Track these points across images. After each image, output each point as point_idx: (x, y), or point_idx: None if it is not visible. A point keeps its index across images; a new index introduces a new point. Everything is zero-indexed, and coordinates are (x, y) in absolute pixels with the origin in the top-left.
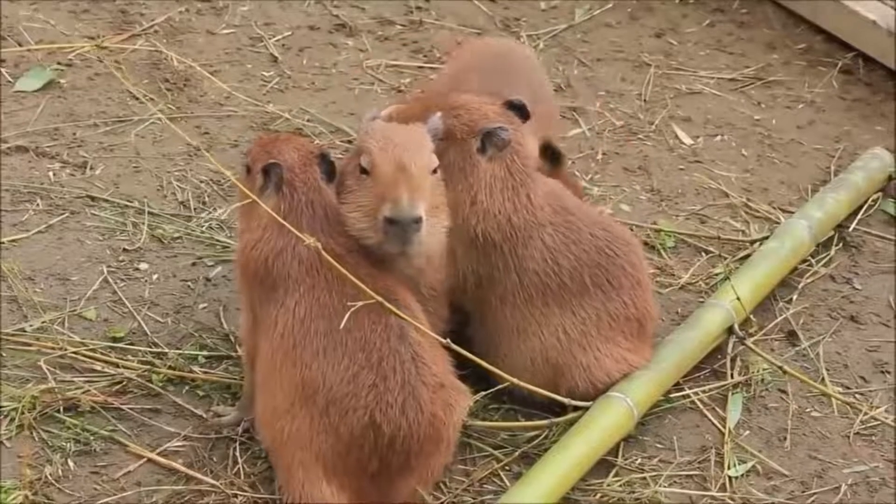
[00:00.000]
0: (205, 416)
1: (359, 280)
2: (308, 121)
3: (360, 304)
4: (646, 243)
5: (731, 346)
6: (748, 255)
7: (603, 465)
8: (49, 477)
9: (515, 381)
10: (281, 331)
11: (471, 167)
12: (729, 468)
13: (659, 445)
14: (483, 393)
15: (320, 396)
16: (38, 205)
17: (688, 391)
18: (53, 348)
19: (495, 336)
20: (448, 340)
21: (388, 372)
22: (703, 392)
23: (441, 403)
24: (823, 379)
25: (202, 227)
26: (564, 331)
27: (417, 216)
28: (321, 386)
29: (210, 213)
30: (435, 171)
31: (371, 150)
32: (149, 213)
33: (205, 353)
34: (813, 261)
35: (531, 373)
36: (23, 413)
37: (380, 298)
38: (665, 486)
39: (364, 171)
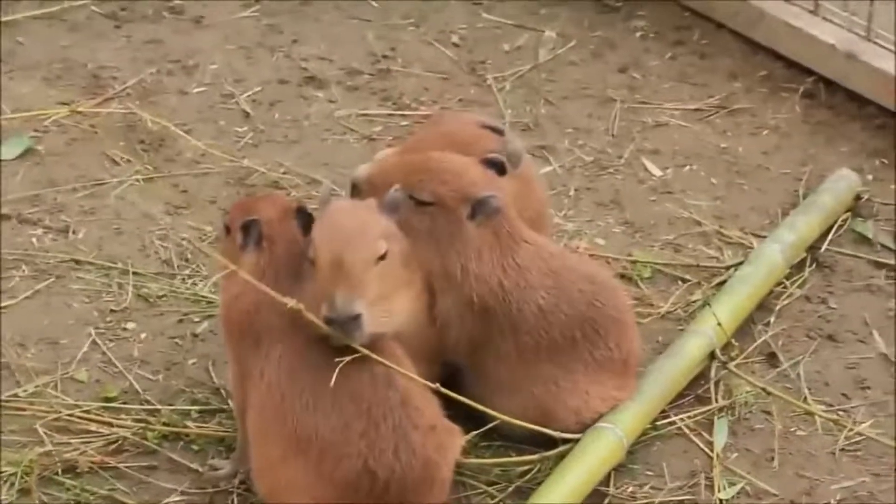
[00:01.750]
0: (201, 470)
1: None
2: (284, 173)
3: (347, 358)
4: (622, 275)
5: (713, 370)
6: (724, 281)
7: (595, 495)
8: None
9: (505, 417)
10: (268, 383)
11: (459, 234)
12: (719, 491)
13: (649, 472)
14: (475, 432)
15: (313, 447)
16: (23, 271)
17: (674, 417)
18: (48, 412)
19: (488, 391)
20: (437, 385)
21: (379, 419)
22: (689, 417)
23: (433, 445)
24: (806, 398)
25: (186, 284)
26: (556, 382)
27: (353, 314)
28: (313, 437)
29: (193, 269)
30: (383, 257)
31: (315, 241)
32: (133, 273)
33: (197, 407)
34: (788, 283)
35: (523, 419)
36: (22, 477)
37: (365, 350)
38: None
39: (312, 262)
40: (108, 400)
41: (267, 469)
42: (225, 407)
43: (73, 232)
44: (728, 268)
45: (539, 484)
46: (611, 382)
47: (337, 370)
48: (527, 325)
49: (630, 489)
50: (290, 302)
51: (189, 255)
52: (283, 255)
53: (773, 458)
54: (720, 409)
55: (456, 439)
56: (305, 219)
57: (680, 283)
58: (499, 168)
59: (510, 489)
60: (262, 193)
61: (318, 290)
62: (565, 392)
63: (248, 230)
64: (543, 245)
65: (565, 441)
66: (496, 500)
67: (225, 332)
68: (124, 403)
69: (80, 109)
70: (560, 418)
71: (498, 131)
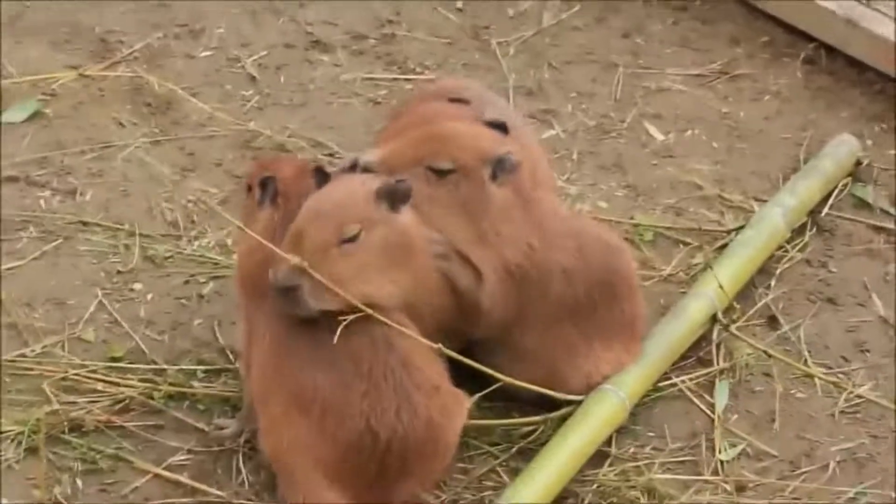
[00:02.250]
0: (206, 429)
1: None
2: (289, 136)
3: (350, 317)
4: (625, 238)
5: (715, 333)
6: (726, 245)
7: (598, 456)
8: (59, 497)
9: (510, 379)
10: (270, 341)
11: (485, 196)
12: (720, 452)
13: (651, 434)
14: (479, 394)
15: (315, 406)
16: (31, 232)
17: (675, 380)
18: (55, 371)
19: (507, 360)
20: (440, 346)
21: (379, 379)
22: (691, 380)
23: (437, 407)
24: (806, 360)
25: (192, 245)
26: (574, 346)
27: (289, 285)
28: (314, 397)
29: (199, 232)
30: (352, 240)
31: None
32: (140, 234)
33: (203, 367)
34: (788, 247)
35: (535, 383)
36: (29, 436)
37: (366, 308)
38: (659, 474)
39: None
40: (114, 360)
41: (270, 427)
42: (230, 367)
43: (81, 194)
44: (729, 231)
45: (542, 445)
46: (619, 346)
47: (339, 330)
48: (554, 288)
49: (632, 450)
50: (295, 259)
51: (195, 217)
52: (297, 213)
53: (773, 420)
54: (721, 372)
55: (462, 404)
56: (322, 178)
57: (682, 246)
58: (502, 129)
59: (513, 450)
60: (283, 155)
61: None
62: (581, 356)
63: (265, 187)
64: (556, 204)
65: (568, 403)
66: (499, 460)
67: (238, 286)
68: (131, 363)
69: (87, 73)
70: (572, 382)
71: (463, 101)
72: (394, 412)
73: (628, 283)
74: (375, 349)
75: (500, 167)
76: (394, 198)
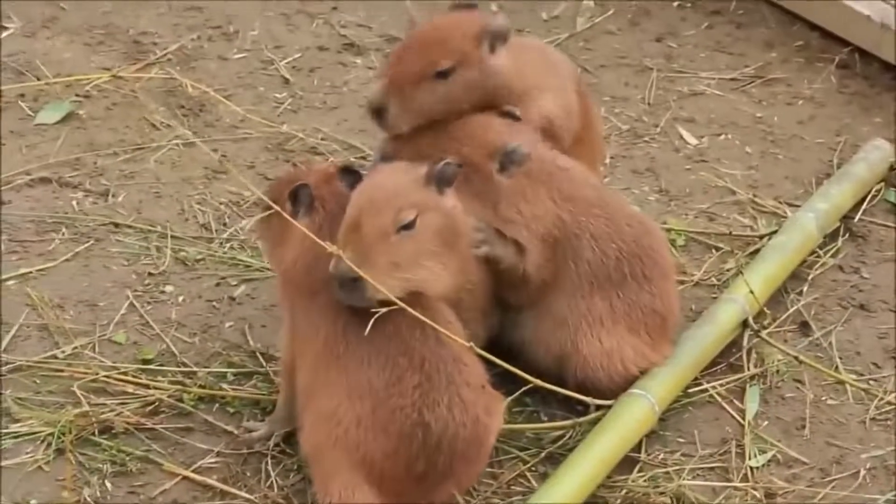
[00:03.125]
0: (236, 432)
1: None
2: (322, 139)
3: (383, 310)
4: None
5: (746, 339)
6: (758, 250)
7: (627, 462)
8: (88, 499)
9: (540, 382)
10: (324, 337)
11: (496, 188)
12: (750, 459)
13: (680, 440)
14: (510, 397)
15: (367, 399)
16: (63, 234)
17: (706, 385)
18: (86, 373)
19: (531, 330)
20: (472, 344)
21: (432, 372)
22: (721, 385)
23: (483, 406)
24: (837, 367)
25: (224, 248)
26: (599, 319)
27: (349, 277)
28: (367, 389)
29: (231, 233)
30: (408, 227)
31: (353, 194)
32: (171, 236)
33: (233, 370)
34: (821, 252)
35: (558, 353)
36: (59, 437)
37: (402, 304)
38: (688, 480)
39: None
40: (145, 362)
41: (317, 424)
42: (260, 370)
43: (113, 195)
44: (762, 237)
45: (571, 450)
46: (646, 336)
47: (372, 321)
48: (585, 253)
49: (661, 456)
50: (331, 248)
51: (227, 220)
52: (338, 212)
53: (803, 427)
54: (752, 378)
55: (500, 405)
56: (353, 177)
57: (714, 251)
58: (514, 118)
59: (542, 455)
60: (295, 170)
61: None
62: (605, 331)
63: (296, 196)
64: (583, 172)
65: (598, 407)
66: (528, 465)
67: (283, 292)
68: (161, 365)
69: (121, 74)
70: (592, 357)
71: (471, 6)
72: (446, 406)
73: (661, 267)
74: (428, 343)
75: (509, 159)
76: (441, 180)
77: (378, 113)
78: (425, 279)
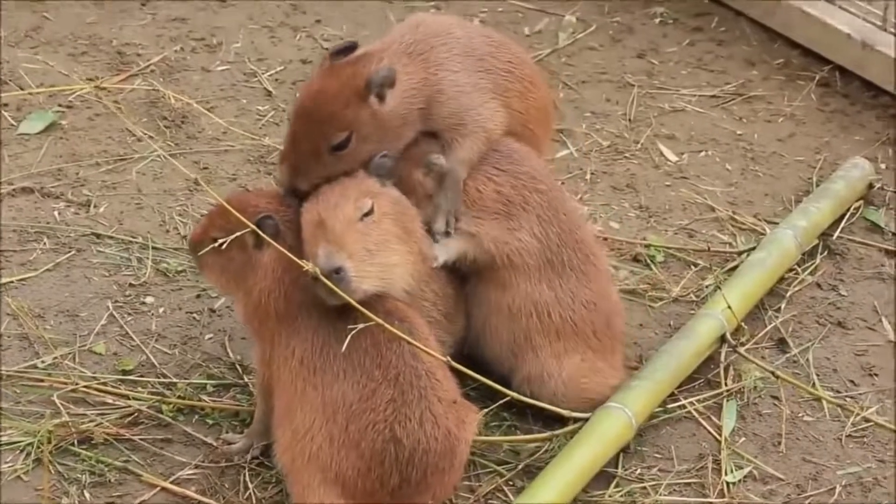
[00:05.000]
0: (215, 444)
1: (363, 302)
2: None
3: (360, 325)
4: (636, 259)
5: (723, 354)
6: (736, 267)
7: (603, 476)
8: None
9: (517, 395)
10: (300, 358)
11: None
12: (726, 474)
13: (657, 455)
14: (486, 410)
15: (340, 415)
16: (44, 244)
17: (683, 401)
18: (66, 383)
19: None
20: (448, 359)
21: (406, 386)
22: (699, 401)
23: (454, 419)
24: (814, 384)
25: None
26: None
27: (334, 267)
28: (341, 405)
29: None
30: (368, 213)
31: (302, 211)
32: (152, 248)
33: (212, 382)
34: (799, 269)
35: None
36: (38, 447)
37: (378, 320)
38: (665, 495)
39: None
40: (124, 373)
41: (292, 441)
42: (240, 382)
43: (95, 206)
44: (741, 253)
45: (548, 463)
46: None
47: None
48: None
49: (638, 471)
50: (308, 266)
51: None
52: (297, 237)
53: (780, 443)
54: (729, 393)
55: (473, 416)
56: (299, 195)
57: (692, 267)
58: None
59: (519, 468)
60: (236, 195)
61: (306, 253)
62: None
63: (262, 227)
64: (524, 150)
65: (575, 420)
66: (505, 478)
67: (257, 322)
68: (141, 376)
69: (104, 85)
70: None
71: (350, 48)
72: (417, 421)
73: (595, 265)
74: (403, 356)
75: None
76: (380, 172)
77: (293, 192)
78: (396, 264)
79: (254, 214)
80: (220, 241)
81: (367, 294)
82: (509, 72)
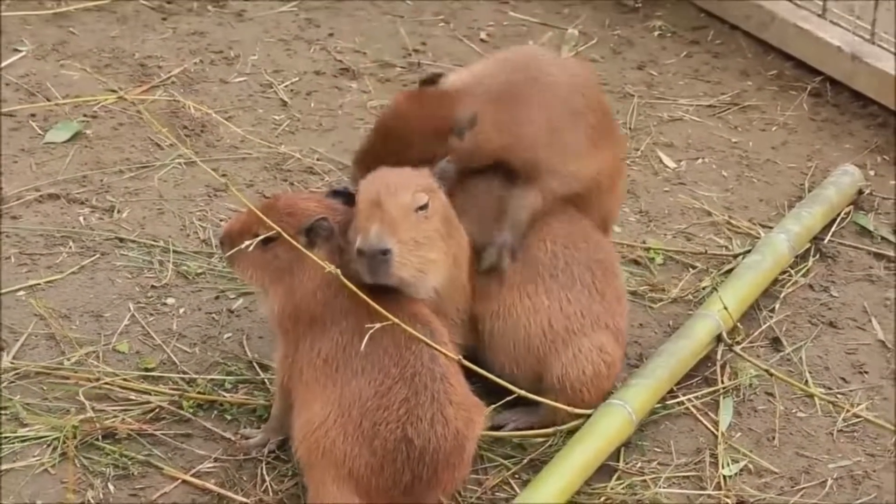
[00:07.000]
0: (233, 438)
1: (388, 304)
2: (318, 160)
3: (378, 325)
4: (636, 261)
5: (720, 353)
6: (732, 269)
7: (605, 470)
8: (91, 501)
9: (523, 392)
10: (325, 357)
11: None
12: (723, 468)
13: (657, 449)
14: (493, 406)
15: (355, 409)
16: (70, 247)
17: (682, 397)
18: (90, 380)
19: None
20: (460, 357)
21: (420, 387)
22: (696, 398)
23: (463, 419)
24: (807, 381)
25: (223, 262)
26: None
27: (383, 248)
28: (357, 399)
29: None
30: (423, 208)
31: (358, 190)
32: (173, 251)
33: (231, 378)
34: (792, 272)
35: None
36: (64, 442)
37: (396, 320)
38: (664, 488)
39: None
40: (147, 370)
41: (307, 433)
42: (257, 378)
43: (118, 211)
44: (736, 256)
45: (552, 457)
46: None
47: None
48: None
49: (639, 464)
50: (330, 267)
51: None
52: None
53: (774, 438)
54: (725, 391)
55: (481, 414)
56: (346, 196)
57: (690, 269)
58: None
59: (525, 461)
60: (285, 196)
61: (356, 228)
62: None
63: (312, 231)
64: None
65: (578, 416)
66: (511, 471)
67: (289, 322)
68: (162, 374)
69: (126, 96)
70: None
71: (434, 79)
72: (428, 422)
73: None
74: (421, 358)
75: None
76: (442, 177)
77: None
78: (434, 261)
79: (306, 216)
80: (263, 236)
81: (401, 281)
82: (593, 127)
